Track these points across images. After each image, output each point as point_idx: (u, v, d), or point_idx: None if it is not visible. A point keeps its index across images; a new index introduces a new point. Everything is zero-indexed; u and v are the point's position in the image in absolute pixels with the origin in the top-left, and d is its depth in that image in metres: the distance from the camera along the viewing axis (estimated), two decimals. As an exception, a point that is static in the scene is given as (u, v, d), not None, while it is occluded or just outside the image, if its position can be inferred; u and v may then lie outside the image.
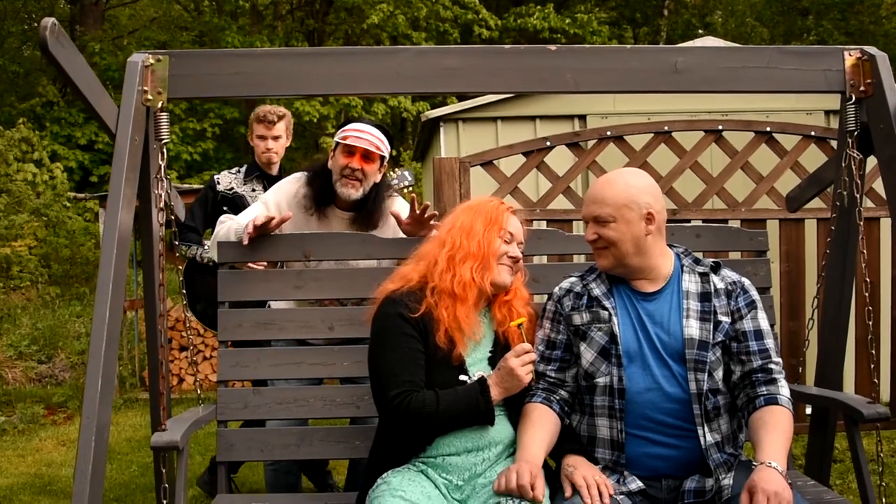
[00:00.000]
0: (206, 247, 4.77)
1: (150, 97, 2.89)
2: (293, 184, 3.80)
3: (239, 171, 4.99)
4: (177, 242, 4.30)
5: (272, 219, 3.34)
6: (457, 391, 2.64)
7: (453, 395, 2.63)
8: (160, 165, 2.95)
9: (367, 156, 3.66)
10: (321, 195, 3.71)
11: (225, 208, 4.74)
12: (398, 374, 2.63)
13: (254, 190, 4.88)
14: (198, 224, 4.90)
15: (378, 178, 3.74)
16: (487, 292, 2.77)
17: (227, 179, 4.95)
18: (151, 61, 2.91)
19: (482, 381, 2.65)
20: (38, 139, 11.78)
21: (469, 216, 2.81)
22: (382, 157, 3.73)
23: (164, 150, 2.96)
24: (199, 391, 3.40)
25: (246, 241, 3.30)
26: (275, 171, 4.96)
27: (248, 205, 4.56)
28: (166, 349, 3.02)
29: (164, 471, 2.81)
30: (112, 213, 2.68)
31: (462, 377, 2.69)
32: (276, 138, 4.92)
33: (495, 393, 2.64)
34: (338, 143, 3.70)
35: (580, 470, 2.55)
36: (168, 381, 3.08)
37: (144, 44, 19.34)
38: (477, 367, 2.73)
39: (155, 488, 2.89)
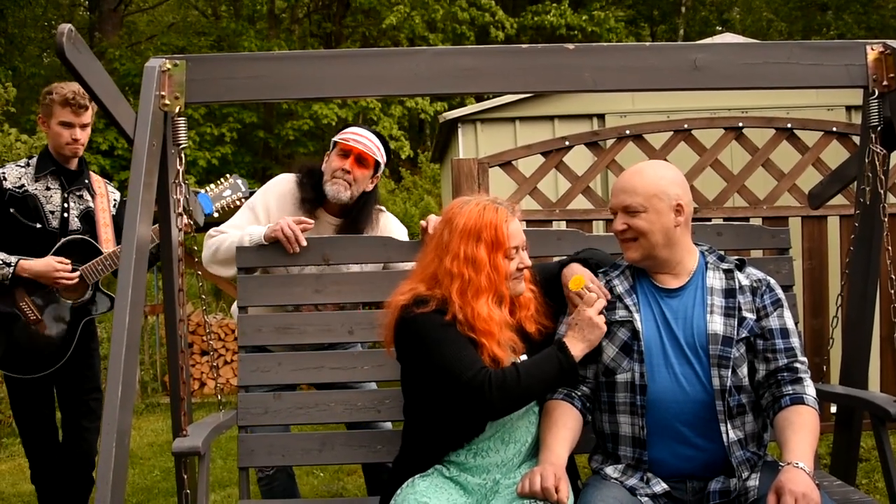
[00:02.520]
0: None
1: (167, 102, 2.88)
2: (283, 184, 3.73)
3: (29, 165, 4.08)
4: None
5: (305, 221, 3.36)
6: (534, 359, 2.62)
7: (532, 363, 2.60)
8: (178, 170, 2.94)
9: (361, 160, 3.60)
10: (312, 196, 3.64)
11: (12, 210, 3.96)
12: (463, 358, 2.54)
13: (48, 188, 4.03)
14: None
15: (369, 186, 3.67)
16: (508, 320, 2.72)
17: (16, 174, 4.03)
18: (168, 66, 2.90)
19: (559, 342, 2.63)
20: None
21: (471, 244, 2.63)
22: (377, 165, 3.67)
23: (182, 155, 2.95)
24: (219, 396, 3.40)
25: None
26: (75, 164, 4.13)
27: (41, 206, 3.99)
28: (186, 354, 3.02)
29: (185, 476, 2.80)
30: (130, 218, 2.68)
31: None
32: (84, 126, 4.05)
33: (578, 349, 2.61)
34: (335, 144, 3.65)
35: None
36: (189, 386, 3.08)
37: (162, 49, 19.49)
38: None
39: (177, 493, 2.89)
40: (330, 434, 3.33)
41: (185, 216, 2.97)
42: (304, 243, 3.32)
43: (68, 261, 3.95)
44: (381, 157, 3.67)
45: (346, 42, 22.33)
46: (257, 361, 3.31)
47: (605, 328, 2.64)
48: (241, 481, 3.24)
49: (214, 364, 3.48)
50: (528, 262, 2.75)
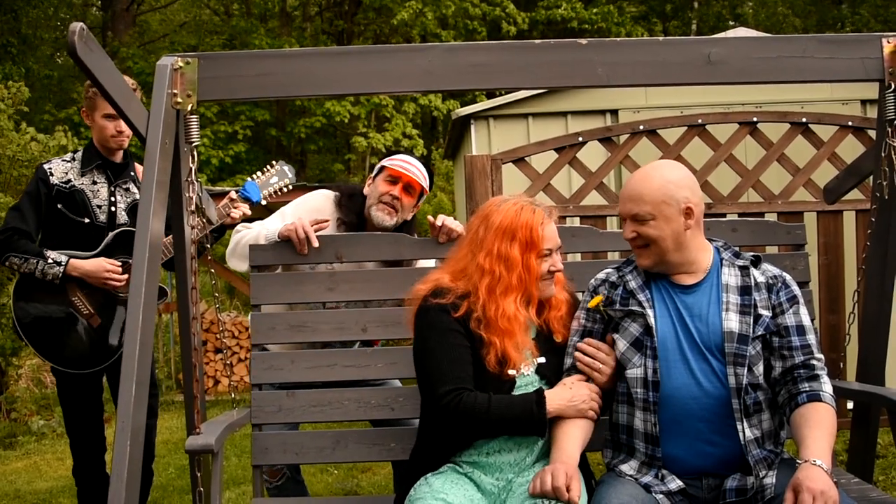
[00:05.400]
0: (49, 260, 3.85)
1: (179, 100, 2.88)
2: (320, 200, 3.69)
3: (74, 159, 4.05)
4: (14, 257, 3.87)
5: (321, 221, 3.36)
6: (512, 397, 2.61)
7: (507, 401, 2.59)
8: (191, 168, 2.95)
9: (409, 188, 3.59)
10: (353, 220, 3.63)
11: (59, 205, 3.93)
12: (447, 371, 2.58)
13: (95, 182, 4.00)
14: (31, 228, 3.93)
15: (409, 216, 3.66)
16: (534, 320, 2.74)
17: (62, 169, 3.99)
18: (181, 64, 2.90)
19: (539, 392, 2.62)
20: (75, 146, 11.98)
21: (505, 242, 2.66)
22: (421, 194, 3.66)
23: (195, 153, 2.95)
24: (233, 394, 3.40)
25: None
26: (120, 157, 4.08)
27: (89, 201, 3.96)
28: (200, 353, 3.02)
29: (199, 474, 2.80)
30: (143, 216, 2.68)
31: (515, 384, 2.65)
32: None
33: (554, 406, 2.60)
34: (382, 169, 3.63)
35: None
36: (202, 384, 3.08)
37: (175, 48, 19.51)
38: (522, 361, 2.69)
39: (191, 491, 2.89)
40: (343, 432, 3.32)
41: (197, 214, 2.97)
42: (316, 245, 3.32)
43: (118, 263, 3.92)
44: (427, 186, 3.66)
45: (357, 39, 22.36)
46: (270, 359, 3.31)
47: (588, 414, 2.64)
48: (254, 479, 3.24)
49: (228, 362, 3.48)
50: (561, 266, 2.77)
